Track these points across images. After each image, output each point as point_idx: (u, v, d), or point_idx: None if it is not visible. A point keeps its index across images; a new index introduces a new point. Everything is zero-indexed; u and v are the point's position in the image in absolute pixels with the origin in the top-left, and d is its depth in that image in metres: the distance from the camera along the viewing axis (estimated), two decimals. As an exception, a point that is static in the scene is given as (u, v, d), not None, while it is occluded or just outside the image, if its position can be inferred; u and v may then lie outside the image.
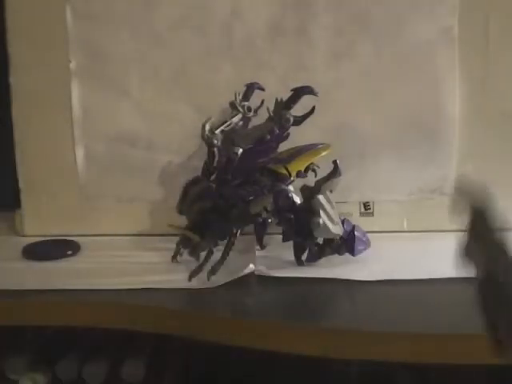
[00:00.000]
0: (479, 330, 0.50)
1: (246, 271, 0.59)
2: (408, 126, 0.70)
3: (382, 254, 0.64)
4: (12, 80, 0.71)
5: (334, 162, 0.61)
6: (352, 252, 0.62)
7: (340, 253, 0.62)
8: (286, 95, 0.61)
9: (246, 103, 0.65)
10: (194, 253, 0.62)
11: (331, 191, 0.62)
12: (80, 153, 0.72)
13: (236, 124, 0.64)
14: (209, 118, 0.63)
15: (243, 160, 0.60)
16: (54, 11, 0.69)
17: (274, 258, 0.64)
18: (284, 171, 0.61)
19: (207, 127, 0.62)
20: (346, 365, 0.70)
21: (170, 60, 0.70)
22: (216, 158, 0.63)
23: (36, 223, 0.73)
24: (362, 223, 0.64)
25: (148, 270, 0.62)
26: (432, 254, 0.65)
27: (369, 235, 0.63)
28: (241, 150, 0.60)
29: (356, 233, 0.62)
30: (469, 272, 0.44)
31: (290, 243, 0.63)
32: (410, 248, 0.67)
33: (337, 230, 0.61)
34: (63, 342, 0.68)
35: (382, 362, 0.51)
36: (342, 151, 0.64)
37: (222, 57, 0.70)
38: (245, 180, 0.61)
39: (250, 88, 0.67)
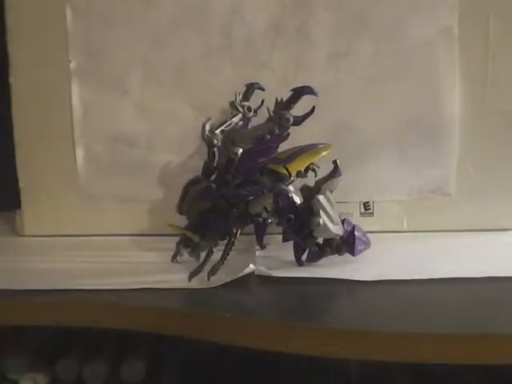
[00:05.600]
0: (479, 330, 0.50)
1: (246, 271, 0.59)
2: (408, 125, 0.70)
3: (382, 254, 0.64)
4: (12, 80, 0.71)
5: (334, 162, 0.61)
6: (352, 252, 0.62)
7: (340, 253, 0.62)
8: (286, 95, 0.61)
9: (246, 103, 0.65)
10: (194, 253, 0.62)
11: (331, 191, 0.62)
12: (80, 153, 0.72)
13: (236, 124, 0.64)
14: (209, 118, 0.63)
15: (243, 160, 0.60)
16: (54, 11, 0.69)
17: (274, 258, 0.64)
18: (284, 171, 0.61)
19: (207, 127, 0.62)
20: (346, 365, 0.70)
21: (170, 60, 0.70)
22: (216, 158, 0.63)
23: (36, 223, 0.73)
24: (362, 223, 0.64)
25: (148, 270, 0.62)
26: (432, 254, 0.65)
27: (369, 235, 0.63)
28: (241, 150, 0.60)
29: (356, 233, 0.62)
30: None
31: (290, 243, 0.63)
32: (410, 248, 0.67)
33: (337, 230, 0.61)
34: (63, 342, 0.68)
35: (382, 362, 0.51)
36: (341, 151, 0.64)
37: (222, 57, 0.70)
38: (245, 180, 0.61)
39: (250, 88, 0.67)
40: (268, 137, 0.61)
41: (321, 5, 0.69)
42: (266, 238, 0.66)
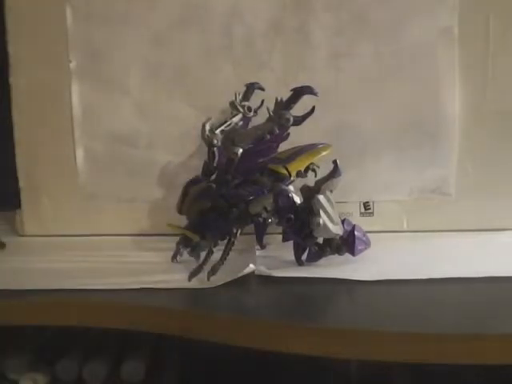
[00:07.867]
0: (479, 330, 0.50)
1: (246, 271, 0.59)
2: (408, 126, 0.70)
3: (382, 254, 0.64)
4: (12, 80, 0.71)
5: (334, 162, 0.61)
6: (352, 252, 0.62)
7: (340, 253, 0.62)
8: (286, 95, 0.61)
9: (246, 103, 0.65)
10: (194, 253, 0.62)
11: (331, 191, 0.62)
12: (80, 153, 0.72)
13: (236, 124, 0.64)
14: (209, 118, 0.63)
15: (243, 160, 0.60)
16: (54, 11, 0.69)
17: (274, 258, 0.64)
18: (284, 171, 0.61)
19: (207, 127, 0.62)
20: (346, 365, 0.70)
21: (170, 60, 0.70)
22: (216, 158, 0.63)
23: (36, 223, 0.73)
24: (362, 223, 0.64)
25: (148, 270, 0.62)
26: (432, 254, 0.65)
27: (369, 235, 0.63)
28: (241, 150, 0.60)
29: (356, 233, 0.62)
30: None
31: (290, 243, 0.63)
32: (410, 248, 0.67)
33: (337, 230, 0.61)
34: (63, 341, 0.68)
35: (382, 362, 0.51)
36: (341, 151, 0.64)
37: (222, 57, 0.70)
38: (245, 180, 0.61)
39: (250, 88, 0.67)
40: (268, 137, 0.61)
41: (321, 5, 0.69)
42: (265, 238, 0.66)
